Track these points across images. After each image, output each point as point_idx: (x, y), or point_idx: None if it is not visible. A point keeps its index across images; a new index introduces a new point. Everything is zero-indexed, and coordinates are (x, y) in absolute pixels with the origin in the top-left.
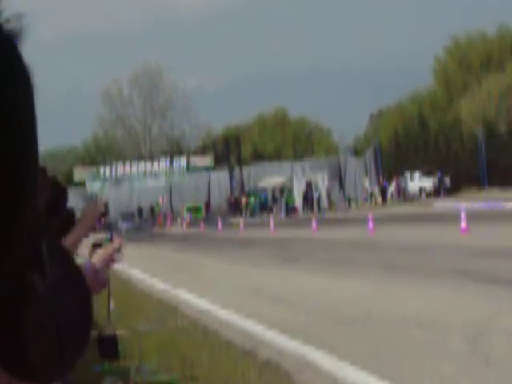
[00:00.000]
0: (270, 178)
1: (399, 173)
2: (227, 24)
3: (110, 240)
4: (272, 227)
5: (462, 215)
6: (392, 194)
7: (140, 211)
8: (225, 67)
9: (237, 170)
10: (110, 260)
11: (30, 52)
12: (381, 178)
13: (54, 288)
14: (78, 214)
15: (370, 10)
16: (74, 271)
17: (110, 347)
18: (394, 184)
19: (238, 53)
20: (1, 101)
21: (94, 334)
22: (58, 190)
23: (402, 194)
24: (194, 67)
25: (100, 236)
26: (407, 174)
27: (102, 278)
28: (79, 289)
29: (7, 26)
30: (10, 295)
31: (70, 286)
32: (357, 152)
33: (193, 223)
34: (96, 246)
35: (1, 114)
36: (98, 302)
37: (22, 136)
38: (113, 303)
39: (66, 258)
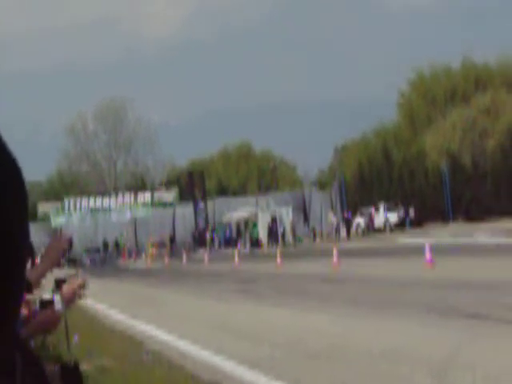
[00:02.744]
0: (234, 211)
1: (374, 204)
2: (191, 59)
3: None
4: (237, 261)
5: (427, 248)
6: (357, 228)
7: (105, 246)
8: (189, 102)
9: (201, 204)
10: (74, 296)
11: None
12: (345, 211)
13: None
14: (42, 249)
15: (331, 43)
16: (47, 382)
17: (73, 377)
18: (371, 215)
19: (202, 88)
20: None
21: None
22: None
23: (366, 226)
24: (158, 102)
25: (64, 271)
26: (371, 208)
27: (58, 310)
28: None
29: None
30: None
31: None
32: (321, 185)
33: (157, 257)
34: (60, 281)
35: None
36: (59, 336)
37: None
38: (77, 337)
39: (39, 368)
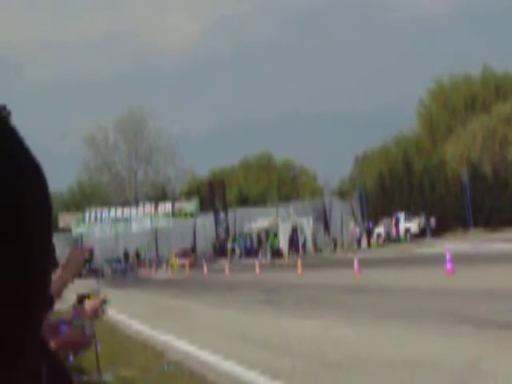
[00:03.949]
0: (255, 221)
1: (394, 213)
2: (210, 70)
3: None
4: (258, 271)
5: (448, 257)
6: (377, 237)
7: (126, 256)
8: (209, 112)
9: (222, 214)
10: (95, 313)
11: (14, 98)
12: (366, 220)
13: None
14: (62, 260)
15: (351, 52)
16: None
17: None
18: (395, 224)
19: (222, 99)
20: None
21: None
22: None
23: (387, 236)
24: (179, 112)
25: (86, 281)
26: (392, 217)
27: (88, 333)
28: None
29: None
30: None
31: None
32: (342, 195)
33: (179, 268)
34: (81, 298)
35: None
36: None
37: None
38: (99, 345)
39: (66, 378)
